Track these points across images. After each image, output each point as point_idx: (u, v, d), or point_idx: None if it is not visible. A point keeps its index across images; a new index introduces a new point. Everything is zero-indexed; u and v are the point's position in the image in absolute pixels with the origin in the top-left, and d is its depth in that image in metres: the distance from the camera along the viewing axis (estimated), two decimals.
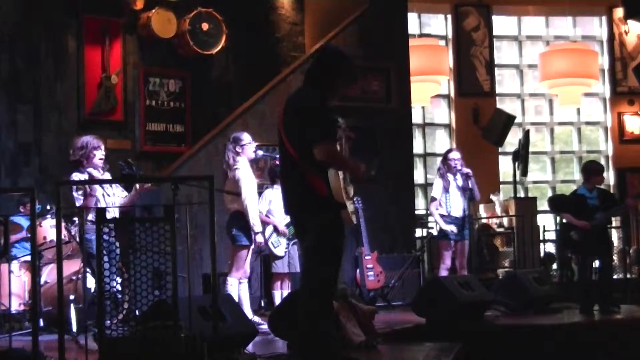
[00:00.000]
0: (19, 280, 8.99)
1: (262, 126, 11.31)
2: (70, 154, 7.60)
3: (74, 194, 7.37)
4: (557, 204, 11.09)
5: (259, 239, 8.31)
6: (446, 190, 10.24)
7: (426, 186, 14.82)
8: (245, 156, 8.48)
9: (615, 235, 13.99)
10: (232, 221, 8.37)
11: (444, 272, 10.14)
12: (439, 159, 11.05)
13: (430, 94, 14.86)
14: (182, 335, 5.29)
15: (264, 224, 9.29)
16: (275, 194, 9.42)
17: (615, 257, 13.77)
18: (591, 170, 10.02)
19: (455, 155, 10.38)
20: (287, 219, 9.31)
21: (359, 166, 5.73)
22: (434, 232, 10.55)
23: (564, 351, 8.28)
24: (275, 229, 9.40)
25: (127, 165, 7.27)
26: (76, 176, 7.52)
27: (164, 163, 11.72)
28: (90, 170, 7.66)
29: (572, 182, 15.87)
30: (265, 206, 9.38)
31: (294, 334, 6.18)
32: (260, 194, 9.28)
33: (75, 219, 7.74)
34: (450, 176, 10.29)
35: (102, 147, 7.84)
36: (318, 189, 5.51)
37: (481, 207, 13.72)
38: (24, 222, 9.29)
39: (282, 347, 6.92)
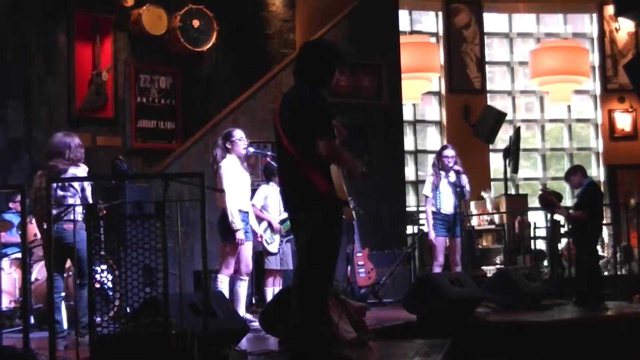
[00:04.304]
0: (10, 277, 8.99)
1: (253, 123, 11.30)
2: (66, 152, 7.47)
3: (88, 189, 7.30)
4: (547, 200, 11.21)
5: (239, 235, 8.24)
6: (436, 187, 10.24)
7: (417, 183, 14.82)
8: (235, 153, 8.43)
9: (605, 232, 14.04)
10: (222, 218, 8.34)
11: (437, 269, 10.14)
12: (430, 155, 11.05)
13: (421, 91, 14.88)
14: (173, 332, 5.29)
15: (258, 219, 9.27)
16: (271, 189, 9.39)
17: (605, 254, 13.83)
18: None
19: (449, 152, 10.36)
20: (282, 215, 9.29)
21: (357, 164, 5.74)
22: (425, 229, 10.54)
23: (554, 347, 8.29)
24: (270, 226, 9.37)
25: (120, 162, 7.27)
26: (86, 170, 7.47)
27: (154, 160, 11.71)
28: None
29: (563, 179, 15.88)
30: (261, 201, 9.34)
31: (285, 330, 6.19)
32: (253, 190, 9.25)
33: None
34: (442, 173, 10.28)
35: None
36: (320, 186, 5.51)
37: (472, 204, 13.73)
38: (15, 218, 9.29)
39: (274, 344, 6.92)
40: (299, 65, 5.87)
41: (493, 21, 16.09)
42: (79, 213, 7.19)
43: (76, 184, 7.27)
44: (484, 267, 12.62)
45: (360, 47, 12.57)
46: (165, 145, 12.00)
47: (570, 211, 10.70)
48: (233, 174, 8.31)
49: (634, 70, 12.59)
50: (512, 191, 15.03)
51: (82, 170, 7.36)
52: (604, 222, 12.89)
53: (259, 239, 9.10)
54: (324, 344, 5.63)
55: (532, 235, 13.16)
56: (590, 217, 10.18)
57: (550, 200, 10.84)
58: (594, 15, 16.37)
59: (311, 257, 5.60)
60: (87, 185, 7.28)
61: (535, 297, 9.77)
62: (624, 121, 16.11)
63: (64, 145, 7.46)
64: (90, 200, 7.22)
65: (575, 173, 10.55)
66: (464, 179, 10.24)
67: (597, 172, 16.11)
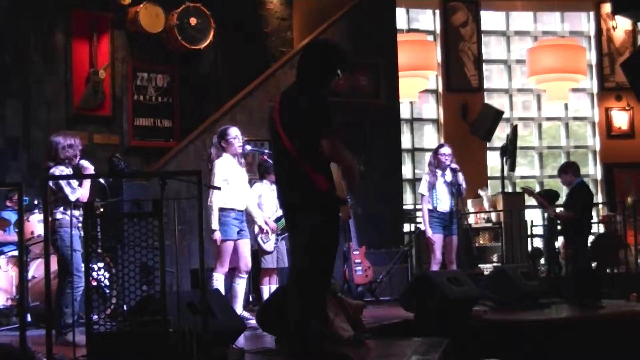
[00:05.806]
0: (7, 275, 8.99)
1: (251, 121, 11.30)
2: (57, 152, 7.46)
3: (67, 188, 7.29)
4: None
5: (216, 235, 8.18)
6: (433, 186, 10.24)
7: (414, 181, 14.82)
8: (230, 151, 8.39)
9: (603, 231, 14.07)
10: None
11: (435, 267, 10.13)
12: (427, 154, 11.04)
13: (418, 89, 14.87)
14: (170, 331, 5.29)
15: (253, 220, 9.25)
16: (265, 187, 9.36)
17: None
18: None
19: (446, 150, 10.37)
20: (277, 213, 9.27)
21: (356, 165, 5.75)
22: (422, 227, 10.54)
23: (551, 346, 8.30)
24: (265, 224, 9.32)
25: (118, 160, 7.25)
26: (62, 171, 7.45)
27: (152, 158, 11.71)
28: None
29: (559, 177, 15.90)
30: (255, 200, 9.32)
31: (282, 329, 6.19)
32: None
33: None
34: (438, 171, 10.29)
35: None
36: (321, 185, 5.51)
37: (469, 202, 13.74)
38: (12, 216, 9.29)
39: (271, 341, 6.93)
40: (300, 64, 5.87)
41: (490, 19, 16.10)
42: (60, 212, 7.24)
43: (51, 183, 7.26)
44: (481, 265, 12.62)
45: (358, 45, 12.55)
46: (162, 143, 12.00)
47: (560, 210, 10.74)
48: (225, 175, 8.27)
49: (631, 68, 12.63)
50: (509, 189, 15.03)
51: (58, 170, 7.33)
52: (594, 221, 12.96)
53: (261, 235, 9.10)
54: (321, 342, 5.63)
55: (528, 233, 13.15)
56: (577, 217, 10.16)
57: (536, 199, 10.87)
58: (591, 14, 16.37)
59: (310, 257, 5.60)
60: (65, 185, 7.26)
61: (533, 296, 9.78)
62: (621, 119, 16.12)
63: (52, 145, 7.47)
64: (73, 199, 7.22)
65: (567, 171, 10.51)
66: (461, 177, 10.25)
67: (594, 170, 16.13)
